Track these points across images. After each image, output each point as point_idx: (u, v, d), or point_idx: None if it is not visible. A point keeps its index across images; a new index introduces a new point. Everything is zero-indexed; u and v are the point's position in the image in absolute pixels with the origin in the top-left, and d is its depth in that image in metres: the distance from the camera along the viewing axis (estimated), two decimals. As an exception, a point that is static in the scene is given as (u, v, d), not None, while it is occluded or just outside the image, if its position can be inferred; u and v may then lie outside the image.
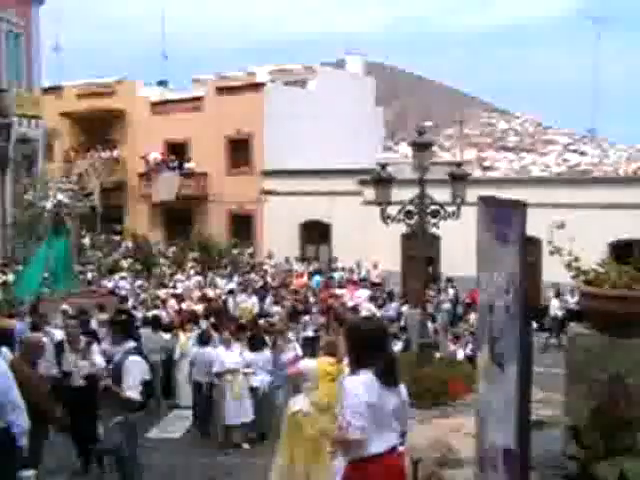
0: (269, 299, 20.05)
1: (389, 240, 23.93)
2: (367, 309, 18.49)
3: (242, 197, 30.89)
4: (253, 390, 11.42)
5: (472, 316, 19.36)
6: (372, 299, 20.52)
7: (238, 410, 11.12)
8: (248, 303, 19.76)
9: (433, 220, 11.60)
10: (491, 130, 78.05)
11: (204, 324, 14.77)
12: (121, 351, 7.68)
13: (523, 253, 3.17)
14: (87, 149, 34.58)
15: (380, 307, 20.34)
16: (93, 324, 13.65)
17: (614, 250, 20.48)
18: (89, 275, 23.38)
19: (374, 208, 12.22)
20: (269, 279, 24.26)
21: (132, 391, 7.38)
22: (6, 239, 24.56)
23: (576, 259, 4.23)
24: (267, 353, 11.82)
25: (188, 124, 32.04)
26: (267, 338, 13.92)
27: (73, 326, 10.53)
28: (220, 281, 23.43)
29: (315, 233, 29.56)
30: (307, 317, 17.74)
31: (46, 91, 31.14)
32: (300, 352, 12.28)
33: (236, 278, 23.84)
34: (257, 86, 31.73)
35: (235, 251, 28.47)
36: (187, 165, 32.56)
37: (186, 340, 13.68)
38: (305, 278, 24.62)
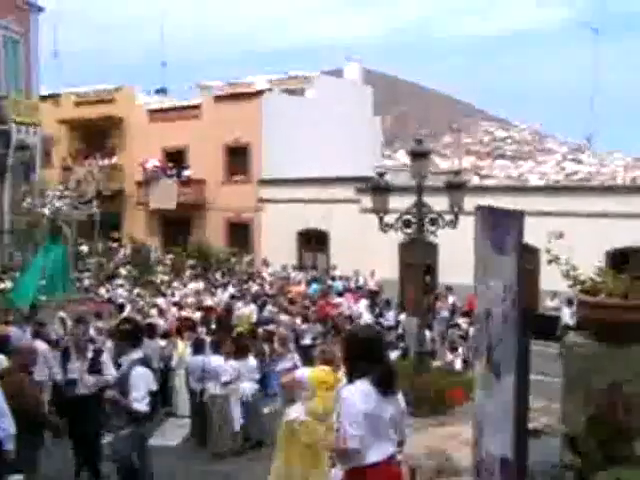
0: (270, 307, 20.00)
1: (387, 248, 23.94)
2: (364, 319, 18.53)
3: (240, 205, 30.89)
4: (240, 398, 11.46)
5: (461, 320, 19.45)
6: (369, 307, 20.55)
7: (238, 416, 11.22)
8: (246, 310, 19.73)
9: (431, 228, 11.62)
10: (489, 138, 78.25)
11: (202, 332, 14.76)
12: (127, 361, 7.62)
13: (520, 262, 3.17)
14: (85, 156, 34.60)
15: (378, 315, 20.36)
16: (91, 331, 13.61)
17: (611, 259, 20.50)
18: (86, 282, 23.35)
19: (372, 216, 12.23)
20: (267, 287, 24.25)
21: (139, 403, 7.35)
22: (3, 246, 24.51)
23: (573, 268, 4.24)
24: (252, 361, 11.77)
25: (186, 132, 32.06)
26: (266, 347, 13.97)
27: (79, 333, 10.32)
28: (218, 290, 23.41)
29: (313, 241, 29.57)
30: (305, 326, 17.73)
31: (44, 98, 31.13)
32: (299, 362, 12.26)
33: (232, 287, 23.78)
34: (255, 94, 31.78)
35: (233, 259, 28.46)
36: (185, 173, 32.58)
37: (184, 348, 13.67)
38: (303, 286, 24.61)
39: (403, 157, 52.26)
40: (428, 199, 11.64)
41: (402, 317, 20.24)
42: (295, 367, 11.55)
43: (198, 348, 12.45)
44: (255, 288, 23.63)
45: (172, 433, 12.36)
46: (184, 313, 18.70)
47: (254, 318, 19.06)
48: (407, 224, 11.49)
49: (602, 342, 3.96)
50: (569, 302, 20.86)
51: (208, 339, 13.10)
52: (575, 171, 65.08)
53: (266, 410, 11.93)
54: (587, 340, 4.06)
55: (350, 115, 33.58)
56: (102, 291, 22.73)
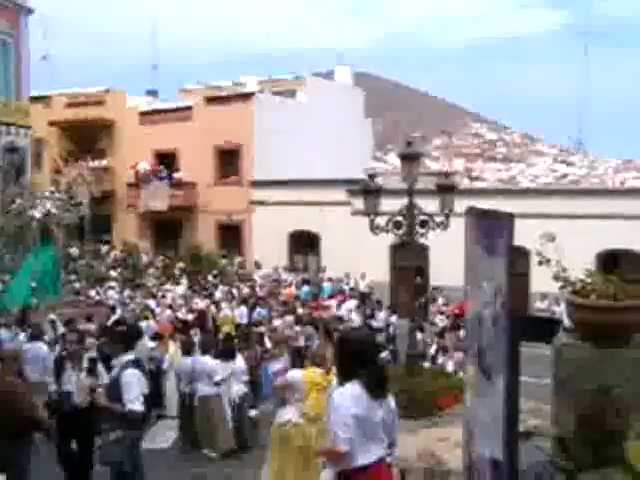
0: (259, 309, 20.00)
1: (378, 250, 23.96)
2: (354, 320, 18.54)
3: (231, 207, 30.86)
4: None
5: (438, 318, 19.60)
6: (358, 308, 20.50)
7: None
8: (228, 312, 19.77)
9: (422, 230, 11.62)
10: (480, 141, 78.46)
11: (195, 333, 14.73)
12: (120, 363, 7.53)
13: (510, 264, 3.18)
14: (76, 159, 34.46)
15: (369, 317, 20.34)
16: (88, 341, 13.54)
17: (602, 261, 20.58)
18: (77, 285, 23.26)
19: (363, 218, 12.23)
20: (257, 289, 24.22)
21: (133, 404, 7.26)
22: (-6, 248, 24.39)
23: (564, 270, 4.25)
24: (240, 363, 11.73)
25: (177, 134, 32.01)
26: (259, 348, 13.98)
27: (73, 341, 9.36)
28: (209, 292, 23.38)
29: (304, 243, 29.55)
30: (297, 328, 17.72)
31: (35, 100, 31.05)
32: (288, 364, 12.25)
33: (221, 288, 23.74)
34: (246, 96, 31.76)
35: (224, 261, 28.41)
36: (176, 175, 32.51)
37: (175, 350, 13.63)
38: (294, 288, 24.60)
39: (395, 160, 52.30)
40: (419, 201, 11.65)
41: (392, 319, 20.24)
42: (286, 368, 11.56)
43: (187, 350, 12.42)
44: (246, 290, 23.60)
45: (162, 435, 12.33)
46: (180, 315, 18.75)
47: (239, 320, 19.10)
48: (398, 226, 11.49)
49: (592, 344, 3.97)
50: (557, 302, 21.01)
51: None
52: (565, 174, 65.32)
53: (253, 413, 11.90)
54: (577, 342, 4.07)
55: (341, 117, 33.63)
56: (92, 293, 22.67)
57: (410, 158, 11.86)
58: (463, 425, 4.08)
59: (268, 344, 15.13)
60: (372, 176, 12.39)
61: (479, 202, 4.43)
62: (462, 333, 15.18)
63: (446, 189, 11.92)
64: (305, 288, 24.52)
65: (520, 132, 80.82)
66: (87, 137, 34.86)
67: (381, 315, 20.79)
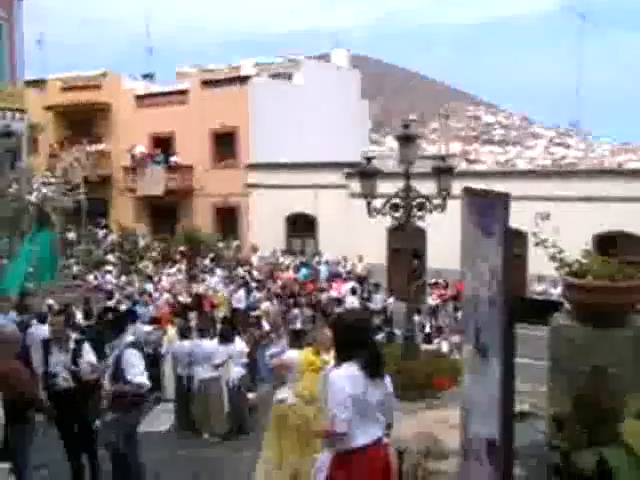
0: (260, 294, 20.02)
1: (375, 233, 23.96)
2: (350, 302, 18.57)
3: (227, 190, 30.82)
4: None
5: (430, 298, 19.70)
6: (354, 291, 20.53)
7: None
8: (219, 293, 19.87)
9: (419, 213, 11.64)
10: (477, 123, 78.30)
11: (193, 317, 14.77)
12: (120, 344, 7.59)
13: (507, 245, 3.18)
14: (72, 142, 34.35)
15: (365, 299, 20.40)
16: (78, 317, 13.59)
17: (599, 242, 20.60)
18: (74, 269, 23.27)
19: (360, 201, 12.24)
20: (255, 273, 24.25)
21: (139, 377, 7.35)
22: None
23: (560, 251, 4.25)
24: (240, 345, 11.74)
25: (173, 117, 31.92)
26: (256, 332, 14.02)
27: (59, 324, 9.28)
28: (206, 275, 23.41)
29: (301, 226, 29.55)
30: (296, 310, 17.78)
31: (30, 84, 30.89)
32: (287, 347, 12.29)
33: (219, 272, 23.77)
34: (242, 79, 31.65)
35: (221, 244, 28.41)
36: (172, 158, 32.44)
37: (174, 333, 13.66)
38: (291, 272, 24.63)
39: (391, 143, 52.18)
40: (416, 184, 11.65)
41: (390, 301, 20.30)
42: (283, 351, 11.60)
43: (185, 333, 12.45)
44: (243, 273, 23.64)
45: (159, 419, 12.38)
46: (181, 299, 18.81)
47: (237, 304, 19.15)
48: (395, 208, 11.50)
49: (588, 324, 3.98)
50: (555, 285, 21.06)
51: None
52: (563, 156, 65.27)
53: (251, 396, 11.95)
54: (573, 322, 4.08)
55: (338, 100, 33.51)
56: (90, 278, 22.68)
57: (407, 140, 11.86)
58: (460, 406, 4.10)
59: (266, 326, 15.19)
60: (369, 159, 12.39)
61: (476, 184, 4.42)
62: (459, 315, 15.25)
63: (443, 171, 11.93)
64: (303, 271, 24.56)
65: (517, 114, 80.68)
66: (83, 121, 34.74)
67: (378, 297, 20.85)
